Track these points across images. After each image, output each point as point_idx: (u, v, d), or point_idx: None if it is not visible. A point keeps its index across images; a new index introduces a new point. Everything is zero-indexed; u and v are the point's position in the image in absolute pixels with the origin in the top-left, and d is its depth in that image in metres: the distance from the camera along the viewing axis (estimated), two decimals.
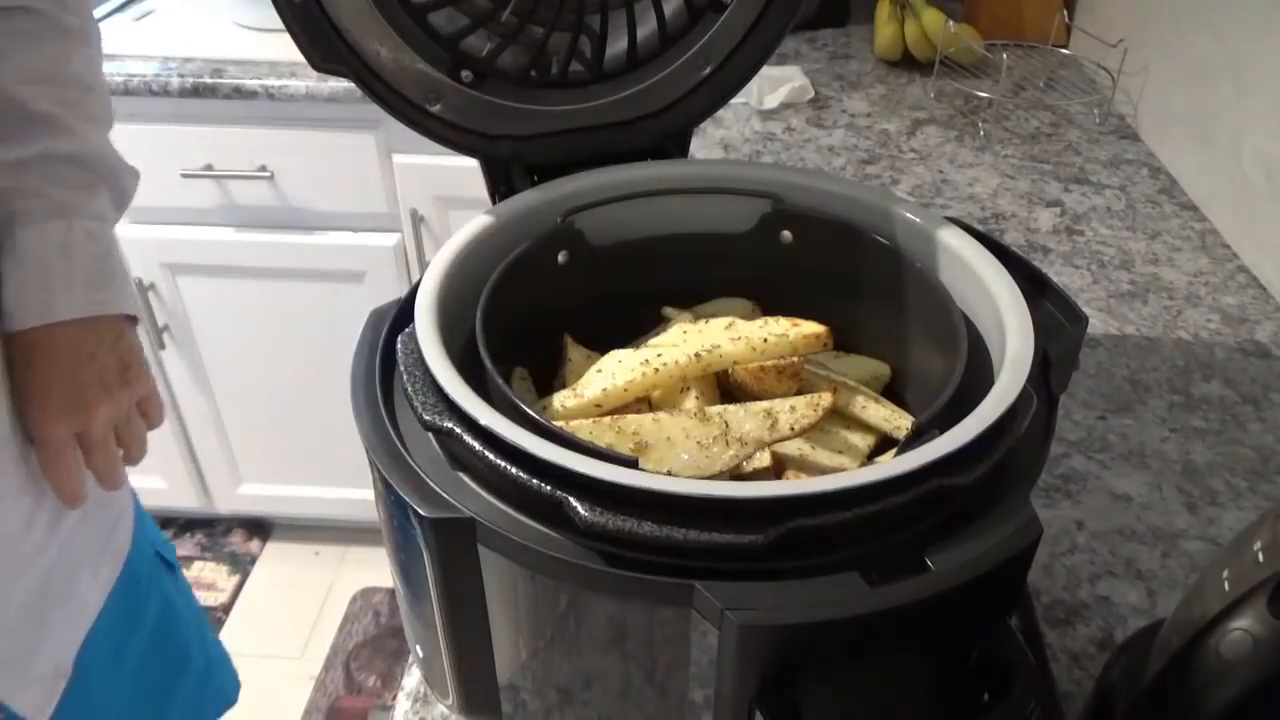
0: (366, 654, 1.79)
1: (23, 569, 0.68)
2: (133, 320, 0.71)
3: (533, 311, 0.57)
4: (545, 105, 0.63)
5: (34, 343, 0.65)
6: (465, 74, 0.60)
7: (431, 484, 0.44)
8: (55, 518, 0.70)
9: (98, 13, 1.56)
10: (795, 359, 0.53)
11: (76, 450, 0.68)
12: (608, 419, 0.50)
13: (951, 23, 1.38)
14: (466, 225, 0.57)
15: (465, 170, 1.14)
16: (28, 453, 0.67)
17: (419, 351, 0.48)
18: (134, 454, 0.73)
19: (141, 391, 0.71)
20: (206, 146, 1.47)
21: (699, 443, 0.49)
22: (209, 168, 1.48)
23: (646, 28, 0.63)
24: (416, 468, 0.45)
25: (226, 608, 1.87)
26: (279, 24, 0.54)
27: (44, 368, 0.65)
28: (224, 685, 0.95)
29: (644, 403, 0.53)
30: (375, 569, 1.94)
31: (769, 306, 0.62)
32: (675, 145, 0.67)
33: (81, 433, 0.67)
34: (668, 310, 0.62)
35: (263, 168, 1.47)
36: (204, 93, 1.40)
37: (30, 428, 0.66)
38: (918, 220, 0.58)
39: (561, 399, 0.53)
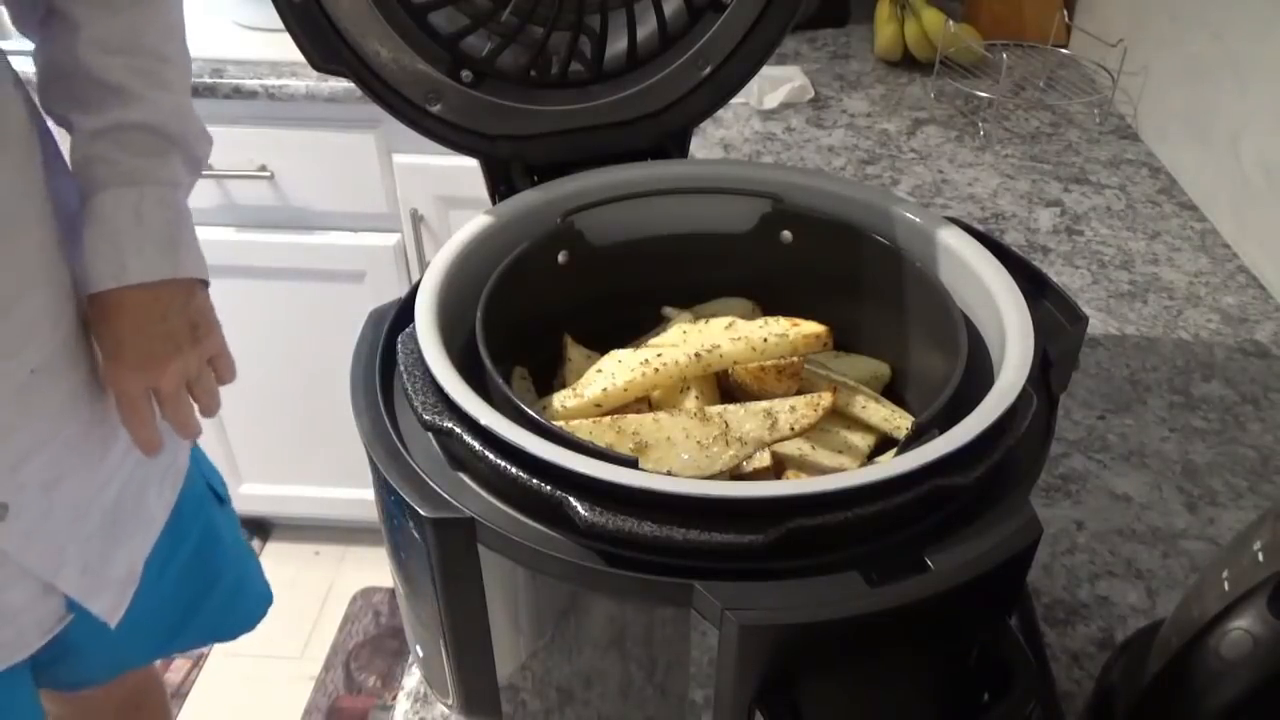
0: (366, 654, 1.79)
1: (101, 488, 0.75)
2: (204, 283, 0.74)
3: (533, 311, 0.57)
4: (545, 105, 0.63)
5: (108, 303, 0.68)
6: (465, 74, 0.60)
7: (431, 484, 0.44)
8: (128, 446, 0.75)
9: None
10: (795, 359, 0.53)
11: (152, 403, 0.72)
12: (608, 419, 0.50)
13: (951, 23, 1.38)
14: (466, 225, 0.57)
15: (465, 170, 1.14)
16: (99, 394, 0.72)
17: (419, 351, 0.48)
18: (207, 407, 0.77)
19: (212, 350, 0.75)
20: None
21: (699, 443, 0.49)
22: (209, 168, 1.47)
23: (646, 28, 0.63)
24: (416, 468, 0.45)
25: None
26: (279, 24, 0.54)
27: (117, 326, 0.69)
28: (248, 610, 1.01)
29: (644, 403, 0.53)
30: (375, 569, 1.94)
31: (769, 306, 0.62)
32: (675, 145, 0.67)
33: (155, 387, 0.71)
34: (668, 310, 0.62)
35: (263, 168, 1.47)
36: (204, 93, 1.40)
37: (108, 381, 0.71)
38: (918, 220, 0.58)
39: (561, 399, 0.53)
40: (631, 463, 0.42)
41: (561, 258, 0.60)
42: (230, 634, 1.01)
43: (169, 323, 0.70)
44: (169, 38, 0.73)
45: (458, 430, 0.44)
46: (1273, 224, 0.96)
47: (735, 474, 0.49)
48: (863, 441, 0.53)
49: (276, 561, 1.96)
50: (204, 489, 0.93)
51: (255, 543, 1.99)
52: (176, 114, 0.73)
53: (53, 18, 0.69)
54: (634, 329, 0.61)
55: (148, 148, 0.70)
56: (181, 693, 1.70)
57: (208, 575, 0.93)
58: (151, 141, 0.71)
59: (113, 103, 0.69)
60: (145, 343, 0.69)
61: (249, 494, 1.86)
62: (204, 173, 1.50)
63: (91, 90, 0.69)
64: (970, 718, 0.43)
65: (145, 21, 0.71)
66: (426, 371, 0.47)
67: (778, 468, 0.51)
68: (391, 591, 1.87)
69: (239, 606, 1.00)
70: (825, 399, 0.50)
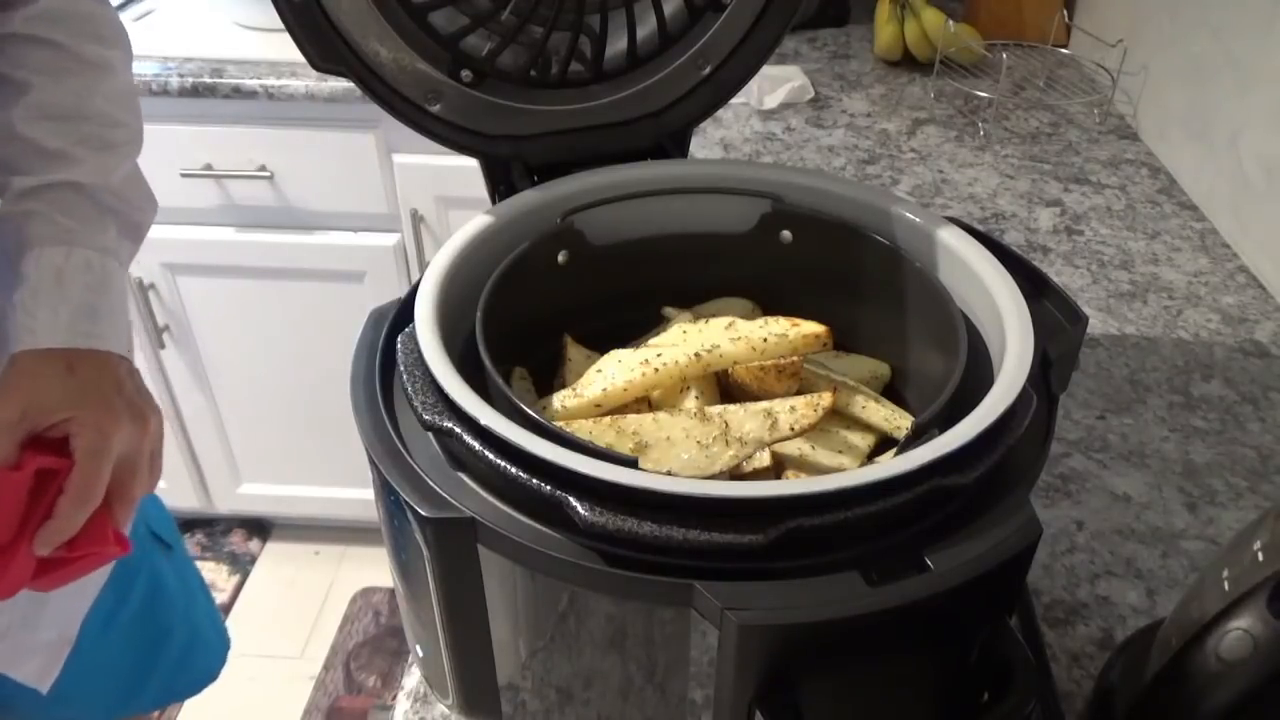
0: (366, 654, 1.79)
1: None
2: (127, 361, 0.65)
3: (533, 311, 0.57)
4: (545, 105, 0.63)
5: (21, 368, 0.61)
6: (465, 74, 0.60)
7: (431, 484, 0.44)
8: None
9: None
10: (795, 359, 0.53)
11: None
12: (608, 419, 0.50)
13: (951, 22, 1.38)
14: (466, 225, 0.57)
15: (465, 170, 1.14)
16: None
17: (419, 351, 0.48)
18: (121, 513, 0.68)
19: (155, 439, 0.66)
20: (206, 146, 1.47)
21: (699, 443, 0.49)
22: (209, 168, 1.48)
23: (646, 27, 0.63)
24: (416, 468, 0.45)
25: (226, 608, 1.87)
26: (279, 24, 0.54)
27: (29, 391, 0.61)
28: (205, 661, 0.97)
29: (644, 403, 0.53)
30: (375, 569, 1.94)
31: (769, 306, 0.62)
32: (675, 145, 0.67)
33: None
34: (668, 310, 0.62)
35: (263, 168, 1.47)
36: (204, 93, 1.40)
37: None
38: (918, 220, 0.58)
39: (561, 399, 0.53)
40: (631, 463, 0.42)
41: (561, 258, 0.60)
42: (188, 691, 0.96)
43: (104, 394, 0.61)
44: (119, 103, 0.70)
45: (458, 430, 0.44)
46: (1273, 224, 0.96)
47: (735, 474, 0.49)
48: (863, 441, 0.53)
49: (276, 561, 1.97)
50: (146, 536, 0.87)
51: (255, 543, 1.99)
52: (118, 179, 0.69)
53: None
54: (634, 329, 0.61)
55: (81, 210, 0.66)
56: None
57: (157, 631, 0.88)
58: (85, 204, 0.66)
59: (53, 167, 0.66)
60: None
61: (249, 494, 1.86)
62: (203, 174, 1.51)
63: (29, 156, 0.65)
64: (970, 718, 0.43)
65: (91, 85, 0.68)
66: (426, 371, 0.47)
67: (778, 468, 0.51)
68: (391, 591, 1.88)
69: (194, 661, 0.95)
70: (825, 399, 0.50)
